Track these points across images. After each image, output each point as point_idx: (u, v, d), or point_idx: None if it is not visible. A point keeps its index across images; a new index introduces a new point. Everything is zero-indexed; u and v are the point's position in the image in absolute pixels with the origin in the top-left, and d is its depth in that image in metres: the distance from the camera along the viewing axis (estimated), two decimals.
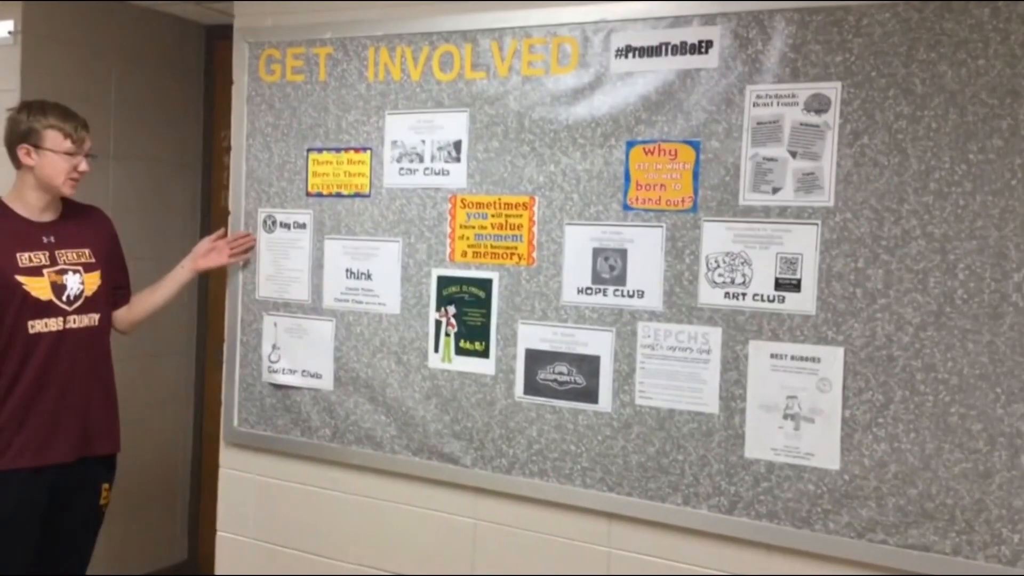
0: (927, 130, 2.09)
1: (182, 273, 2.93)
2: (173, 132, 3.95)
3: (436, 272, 2.65)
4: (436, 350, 2.66)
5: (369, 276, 2.75)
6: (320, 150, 2.81)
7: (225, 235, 2.96)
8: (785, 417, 2.25)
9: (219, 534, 3.08)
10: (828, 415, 2.20)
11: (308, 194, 2.84)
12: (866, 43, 2.14)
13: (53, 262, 2.67)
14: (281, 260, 2.89)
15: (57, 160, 2.64)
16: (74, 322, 2.69)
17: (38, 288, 2.62)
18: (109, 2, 3.58)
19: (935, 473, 2.10)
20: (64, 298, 2.67)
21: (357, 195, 2.76)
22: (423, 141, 2.66)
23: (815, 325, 2.21)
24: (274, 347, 2.91)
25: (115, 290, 2.88)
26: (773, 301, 2.25)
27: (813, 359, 2.21)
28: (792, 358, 2.24)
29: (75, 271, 2.71)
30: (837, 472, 2.19)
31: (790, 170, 2.22)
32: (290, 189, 2.87)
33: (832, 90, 2.17)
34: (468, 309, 2.61)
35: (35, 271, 2.63)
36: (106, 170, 3.67)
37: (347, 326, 2.79)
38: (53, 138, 2.63)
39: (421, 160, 2.66)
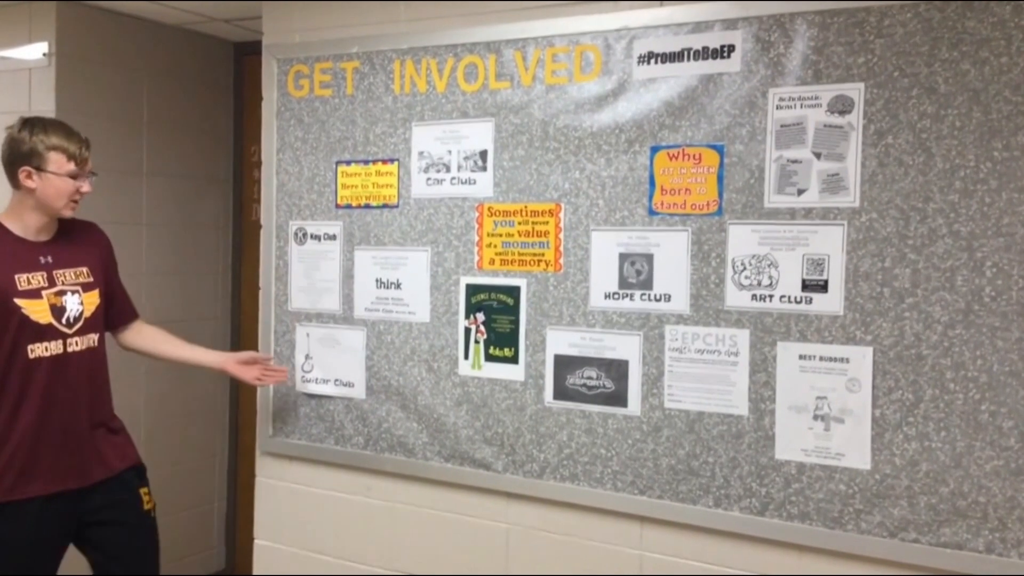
0: (951, 129, 2.09)
1: (211, 358, 2.86)
2: (204, 148, 4.02)
3: (465, 280, 2.69)
4: (466, 357, 2.69)
5: (399, 285, 2.79)
6: (349, 162, 2.86)
7: (270, 358, 2.94)
8: (815, 418, 2.25)
9: (256, 542, 3.12)
10: (858, 415, 2.20)
11: (338, 206, 2.89)
12: (888, 43, 2.15)
13: (51, 283, 2.55)
14: (312, 271, 2.94)
15: (59, 183, 2.51)
16: (75, 344, 2.57)
17: (37, 311, 2.51)
18: (140, 21, 3.65)
19: (966, 471, 2.09)
20: (64, 320, 2.55)
21: (386, 206, 2.80)
22: (449, 151, 2.69)
23: (843, 325, 2.21)
24: (307, 357, 2.96)
25: (113, 308, 2.78)
26: (800, 302, 2.26)
27: (842, 359, 2.22)
28: (821, 359, 2.24)
29: (74, 292, 2.59)
30: (868, 472, 2.19)
31: (815, 171, 2.23)
32: (320, 201, 2.92)
33: (855, 91, 2.18)
34: (497, 316, 2.64)
35: (34, 293, 2.51)
36: (139, 187, 3.74)
37: (378, 335, 2.83)
38: (56, 160, 2.50)
39: (448, 170, 2.70)
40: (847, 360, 2.21)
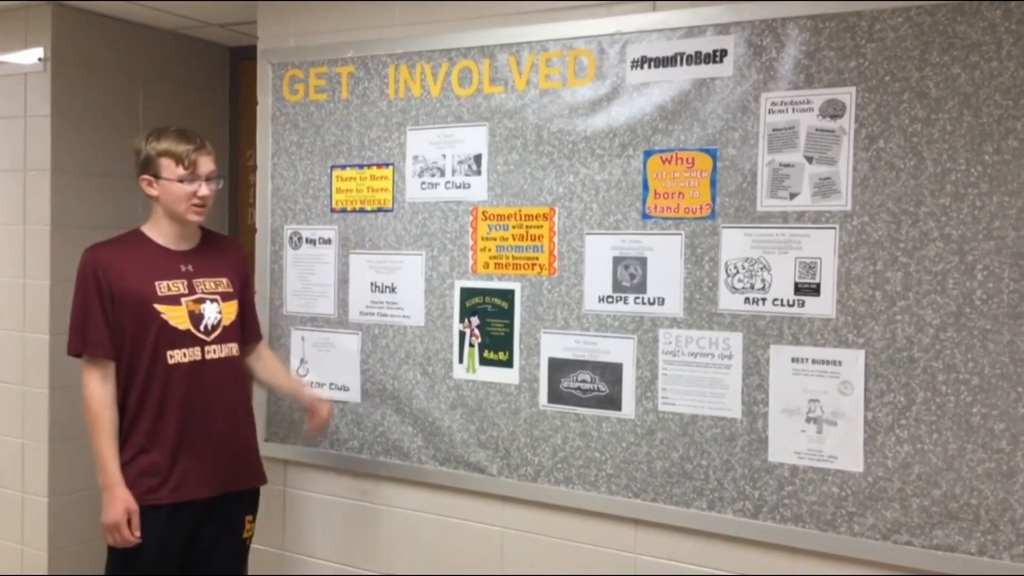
0: (942, 132, 2.10)
1: (303, 394, 2.80)
2: None
3: (459, 284, 2.69)
4: (460, 361, 2.69)
5: (393, 289, 2.80)
6: (343, 167, 2.87)
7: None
8: (808, 420, 2.26)
9: (252, 547, 3.12)
10: (850, 418, 2.21)
11: (332, 210, 2.89)
12: (879, 48, 2.16)
13: (191, 291, 2.56)
14: (307, 275, 2.95)
15: (174, 188, 2.50)
16: (213, 352, 2.57)
17: (176, 317, 2.52)
18: (135, 26, 3.66)
19: (958, 473, 2.10)
20: (202, 328, 2.55)
21: (380, 210, 2.81)
22: (444, 155, 2.70)
23: (835, 328, 2.22)
24: (302, 361, 2.96)
25: (249, 326, 2.75)
26: (793, 305, 2.27)
27: (834, 362, 2.23)
28: (813, 362, 2.25)
29: (213, 300, 2.59)
30: (861, 474, 2.20)
31: (807, 175, 2.24)
32: (315, 206, 2.93)
33: (847, 95, 2.19)
34: (491, 320, 2.64)
35: (173, 300, 2.53)
36: (136, 191, 3.73)
37: (373, 339, 2.83)
38: (167, 165, 2.50)
39: (442, 174, 2.71)
40: (839, 363, 2.22)
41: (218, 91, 4.08)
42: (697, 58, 2.36)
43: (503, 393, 2.63)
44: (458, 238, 2.69)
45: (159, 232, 2.59)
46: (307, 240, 2.94)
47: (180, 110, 3.90)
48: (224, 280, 2.64)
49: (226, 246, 2.75)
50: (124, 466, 2.49)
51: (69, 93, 3.44)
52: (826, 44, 2.21)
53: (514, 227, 2.61)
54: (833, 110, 2.21)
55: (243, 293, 2.71)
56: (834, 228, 2.21)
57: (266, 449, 3.03)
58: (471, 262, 2.67)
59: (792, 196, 2.25)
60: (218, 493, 2.58)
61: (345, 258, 2.88)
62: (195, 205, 2.54)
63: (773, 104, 2.27)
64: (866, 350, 2.19)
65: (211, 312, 2.58)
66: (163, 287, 2.52)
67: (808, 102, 2.23)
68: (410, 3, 2.77)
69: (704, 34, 2.34)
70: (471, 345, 2.68)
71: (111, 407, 2.50)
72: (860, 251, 2.19)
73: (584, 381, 2.52)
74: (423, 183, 2.74)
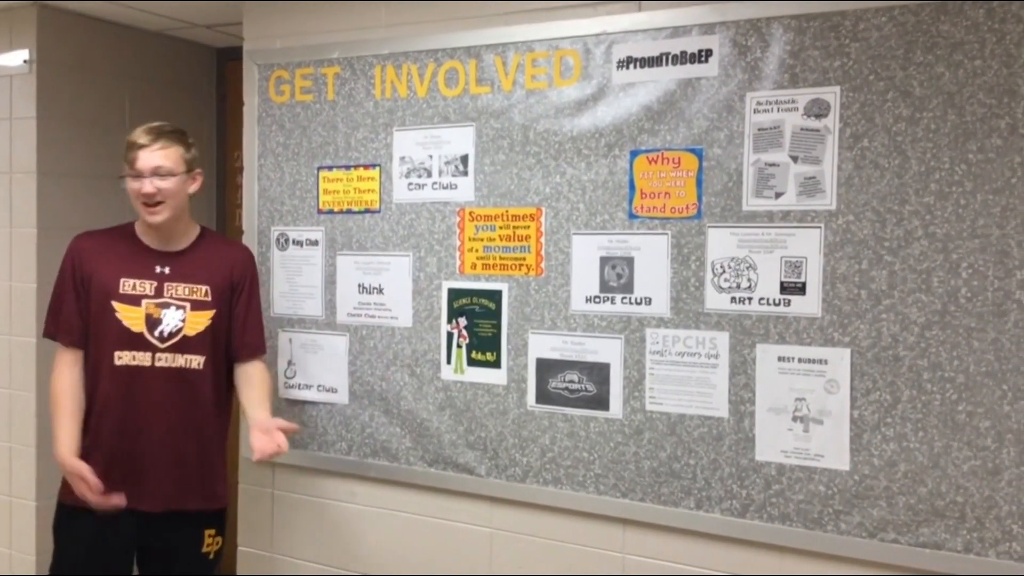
0: (926, 131, 2.11)
1: (255, 416, 2.59)
2: None
3: (447, 285, 2.69)
4: (448, 362, 2.69)
5: (381, 290, 2.79)
6: (330, 168, 2.86)
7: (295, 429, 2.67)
8: (794, 419, 2.26)
9: (239, 549, 3.12)
10: (837, 416, 2.22)
11: (319, 211, 2.89)
12: (863, 47, 2.16)
13: (158, 294, 2.48)
14: (294, 277, 2.94)
15: (127, 185, 2.46)
16: (164, 360, 2.47)
17: (131, 318, 2.45)
18: (121, 28, 3.65)
19: (944, 471, 2.11)
20: (156, 333, 2.46)
21: (367, 211, 2.80)
22: (431, 156, 2.70)
23: (821, 327, 2.22)
24: (289, 363, 2.96)
25: (234, 337, 2.62)
26: (779, 305, 2.27)
27: (820, 361, 2.23)
28: (800, 360, 2.26)
29: (179, 307, 2.49)
30: (847, 473, 2.21)
31: (792, 175, 2.24)
32: (302, 207, 2.92)
33: (831, 94, 2.20)
34: (479, 320, 2.64)
35: (133, 299, 2.46)
36: (122, 192, 3.73)
37: (361, 340, 2.83)
38: (125, 162, 2.47)
39: (429, 175, 2.70)
40: (825, 362, 2.22)
41: (205, 92, 4.07)
42: (682, 58, 2.36)
43: (491, 394, 2.63)
44: (445, 239, 2.69)
45: (143, 229, 2.56)
46: (294, 241, 2.94)
47: (167, 112, 3.88)
48: (203, 288, 2.54)
49: (226, 254, 2.65)
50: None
51: (55, 95, 3.43)
52: (810, 44, 2.21)
53: (501, 228, 2.61)
54: (818, 109, 2.21)
55: (229, 305, 2.60)
56: (819, 227, 2.22)
57: None
58: (458, 263, 2.67)
59: (778, 195, 2.26)
60: (159, 510, 2.49)
61: (332, 259, 2.87)
62: (144, 204, 2.46)
63: (758, 104, 2.28)
64: (852, 349, 2.20)
65: (172, 319, 2.49)
66: (127, 285, 2.47)
67: (793, 101, 2.24)
68: (396, 3, 2.76)
69: (689, 34, 2.35)
70: (459, 346, 2.68)
71: (71, 391, 2.48)
72: (845, 250, 2.19)
73: (572, 381, 2.52)
74: (410, 184, 2.73)
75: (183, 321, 2.50)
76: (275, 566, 3.04)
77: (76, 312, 2.50)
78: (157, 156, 2.45)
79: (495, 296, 2.62)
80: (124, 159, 2.49)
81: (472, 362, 2.66)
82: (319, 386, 2.90)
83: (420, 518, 2.79)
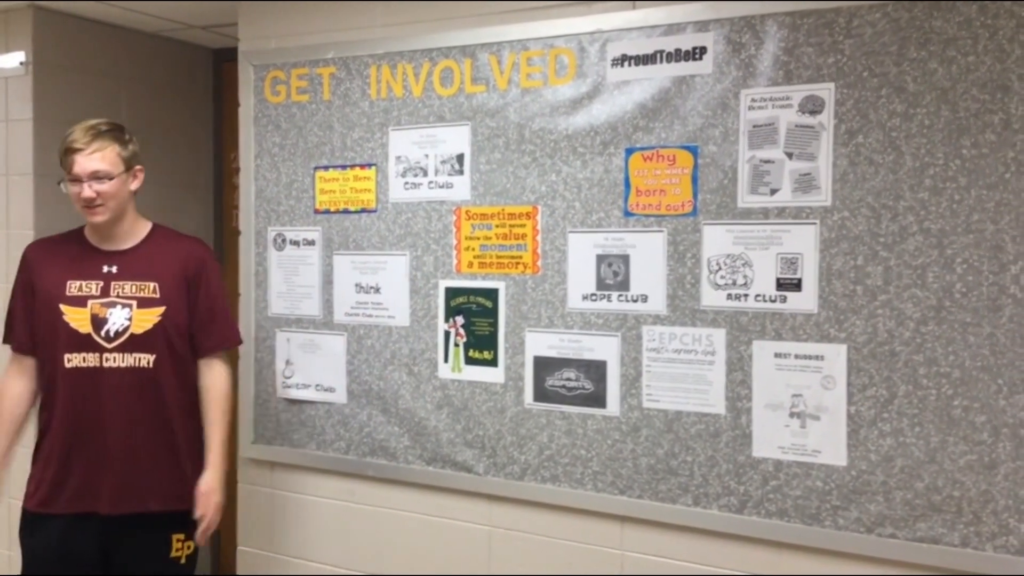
0: (920, 127, 2.11)
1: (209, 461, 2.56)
2: (184, 155, 4.01)
3: (443, 283, 2.70)
4: (446, 360, 2.70)
5: (378, 290, 2.80)
6: (326, 168, 2.86)
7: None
8: (791, 415, 2.27)
9: (239, 548, 3.12)
10: (833, 412, 2.22)
11: (316, 211, 2.89)
12: (857, 44, 2.17)
13: (104, 293, 2.45)
14: (292, 277, 2.94)
15: (68, 189, 2.45)
16: (113, 360, 2.43)
17: (77, 320, 2.42)
18: (117, 29, 3.65)
19: (941, 466, 2.11)
20: (103, 333, 2.43)
21: (364, 211, 2.81)
22: (426, 155, 2.70)
23: (817, 323, 2.23)
24: (288, 363, 2.96)
25: (194, 335, 2.57)
26: (775, 301, 2.27)
27: (817, 357, 2.24)
28: (796, 357, 2.26)
29: (125, 305, 2.45)
30: (844, 468, 2.21)
31: (787, 171, 2.25)
32: (298, 207, 2.92)
33: (826, 91, 2.20)
34: (476, 319, 2.65)
35: (79, 301, 2.44)
36: None
37: (358, 339, 2.83)
38: (62, 167, 2.45)
39: (425, 174, 2.71)
40: (822, 358, 2.23)
41: (201, 94, 4.08)
42: (677, 55, 2.36)
43: (489, 392, 2.63)
44: (442, 238, 2.69)
45: (90, 230, 2.55)
46: (291, 241, 2.94)
47: (163, 113, 3.89)
48: (151, 285, 2.49)
49: (177, 249, 2.59)
50: (32, 468, 2.51)
51: (51, 97, 3.43)
52: (804, 40, 2.22)
53: (497, 226, 2.61)
54: (812, 106, 2.22)
55: (184, 301, 2.54)
56: (815, 223, 2.22)
57: (253, 451, 3.04)
58: (455, 262, 2.68)
59: (773, 192, 2.26)
60: (116, 512, 2.44)
61: (329, 259, 2.88)
62: (86, 208, 2.43)
63: (753, 101, 2.28)
64: (848, 344, 2.20)
65: (118, 318, 2.44)
66: (73, 287, 2.46)
67: (787, 98, 2.24)
68: (391, 3, 2.77)
69: (684, 31, 2.35)
70: (456, 345, 2.68)
71: (14, 400, 2.52)
72: (841, 246, 2.20)
73: (569, 379, 2.52)
74: (406, 183, 2.74)
75: (129, 319, 2.46)
76: (275, 565, 3.05)
77: (25, 319, 2.51)
78: (94, 160, 2.42)
79: (492, 295, 2.62)
80: (61, 163, 2.45)
81: (469, 360, 2.66)
82: (317, 385, 2.91)
83: (419, 516, 2.79)
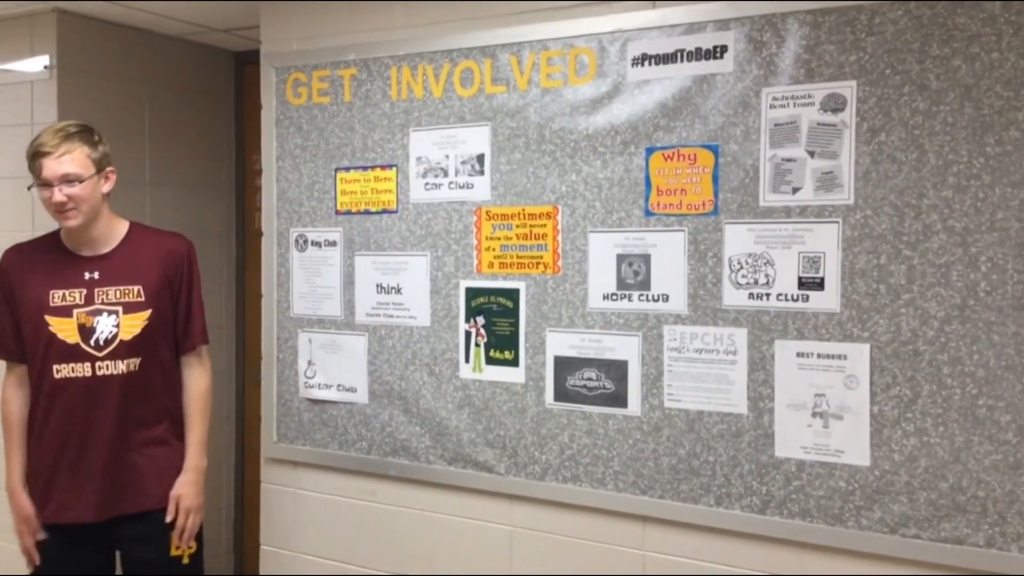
0: (943, 125, 2.10)
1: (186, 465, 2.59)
2: (206, 157, 4.04)
3: (464, 284, 2.70)
4: (467, 360, 2.70)
5: (399, 290, 2.81)
6: (348, 169, 2.88)
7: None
8: (814, 415, 2.26)
9: (262, 548, 3.14)
10: (856, 412, 2.21)
11: (337, 212, 2.91)
12: (879, 41, 2.15)
13: (88, 301, 2.43)
14: (313, 278, 2.96)
15: (39, 193, 2.40)
16: (105, 368, 2.42)
17: (64, 330, 2.39)
18: (140, 33, 3.68)
19: (965, 466, 2.10)
20: (92, 342, 2.41)
21: (385, 211, 2.82)
22: (447, 156, 2.71)
23: (840, 322, 2.22)
24: (310, 363, 2.98)
25: (179, 333, 2.59)
26: (797, 300, 2.27)
27: (839, 356, 2.23)
28: (818, 356, 2.25)
29: (111, 312, 2.43)
30: (868, 468, 2.20)
31: (809, 170, 2.24)
32: (320, 208, 2.94)
33: (848, 89, 2.19)
34: (496, 319, 2.65)
35: (64, 311, 2.40)
36: (143, 198, 3.76)
37: (379, 340, 2.84)
38: (31, 171, 2.41)
39: (446, 175, 2.71)
40: (845, 357, 2.22)
41: (224, 96, 4.10)
42: (697, 54, 2.36)
43: (509, 392, 2.64)
44: (462, 238, 2.70)
45: (66, 236, 2.50)
46: (313, 242, 2.96)
47: (186, 116, 3.92)
48: (135, 288, 2.47)
49: (159, 247, 2.56)
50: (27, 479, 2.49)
51: (75, 101, 3.46)
52: (826, 38, 2.21)
53: (518, 226, 2.61)
54: (834, 104, 2.20)
55: (167, 300, 2.53)
56: (837, 222, 2.21)
57: (276, 451, 3.06)
58: (476, 262, 2.68)
59: (795, 191, 2.25)
60: (102, 518, 2.45)
61: (350, 260, 2.89)
62: (58, 212, 2.39)
63: (774, 99, 2.27)
64: (871, 344, 2.19)
65: (105, 326, 2.42)
66: (57, 297, 2.42)
67: (809, 96, 2.23)
68: (411, 4, 2.78)
69: (704, 30, 2.34)
70: (477, 345, 2.69)
71: (19, 415, 2.49)
72: (863, 245, 2.19)
73: (590, 379, 2.52)
74: (427, 184, 2.75)
75: (117, 326, 2.44)
76: (297, 565, 3.06)
77: (11, 328, 2.48)
78: (64, 163, 2.37)
79: (512, 295, 2.63)
80: (30, 167, 2.42)
81: (490, 361, 2.67)
82: (339, 386, 2.92)
83: (440, 516, 2.80)
